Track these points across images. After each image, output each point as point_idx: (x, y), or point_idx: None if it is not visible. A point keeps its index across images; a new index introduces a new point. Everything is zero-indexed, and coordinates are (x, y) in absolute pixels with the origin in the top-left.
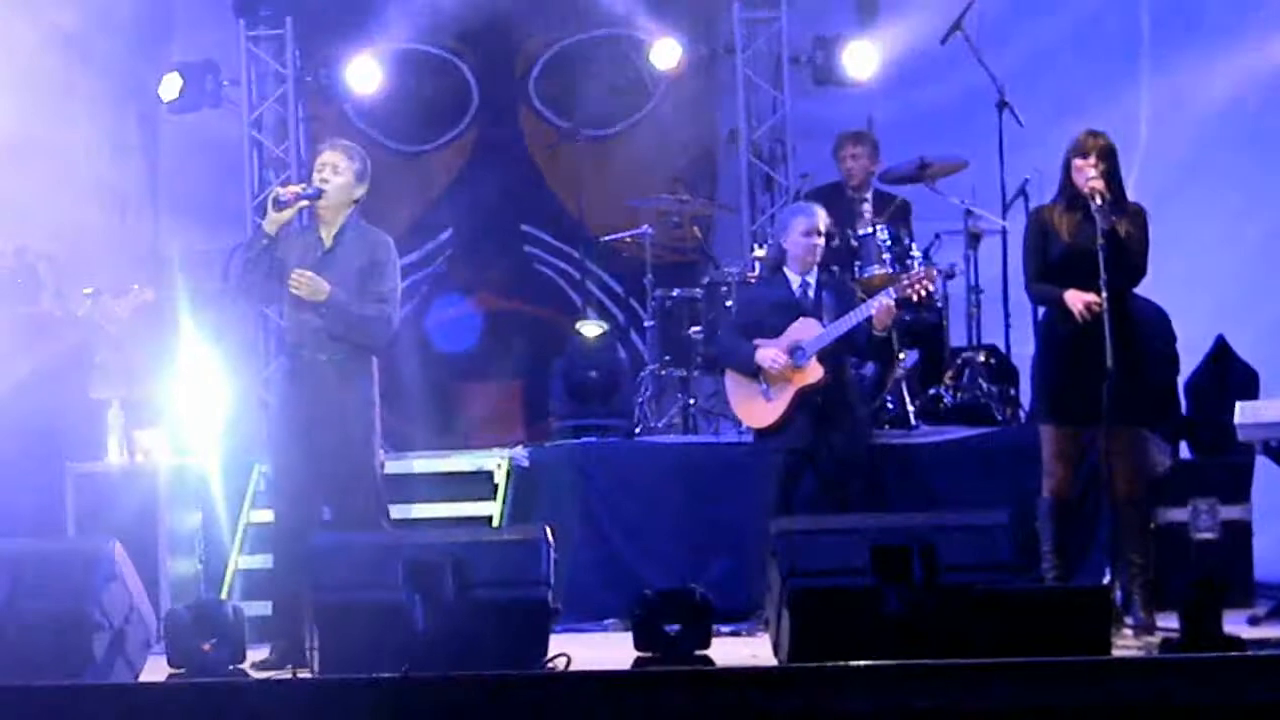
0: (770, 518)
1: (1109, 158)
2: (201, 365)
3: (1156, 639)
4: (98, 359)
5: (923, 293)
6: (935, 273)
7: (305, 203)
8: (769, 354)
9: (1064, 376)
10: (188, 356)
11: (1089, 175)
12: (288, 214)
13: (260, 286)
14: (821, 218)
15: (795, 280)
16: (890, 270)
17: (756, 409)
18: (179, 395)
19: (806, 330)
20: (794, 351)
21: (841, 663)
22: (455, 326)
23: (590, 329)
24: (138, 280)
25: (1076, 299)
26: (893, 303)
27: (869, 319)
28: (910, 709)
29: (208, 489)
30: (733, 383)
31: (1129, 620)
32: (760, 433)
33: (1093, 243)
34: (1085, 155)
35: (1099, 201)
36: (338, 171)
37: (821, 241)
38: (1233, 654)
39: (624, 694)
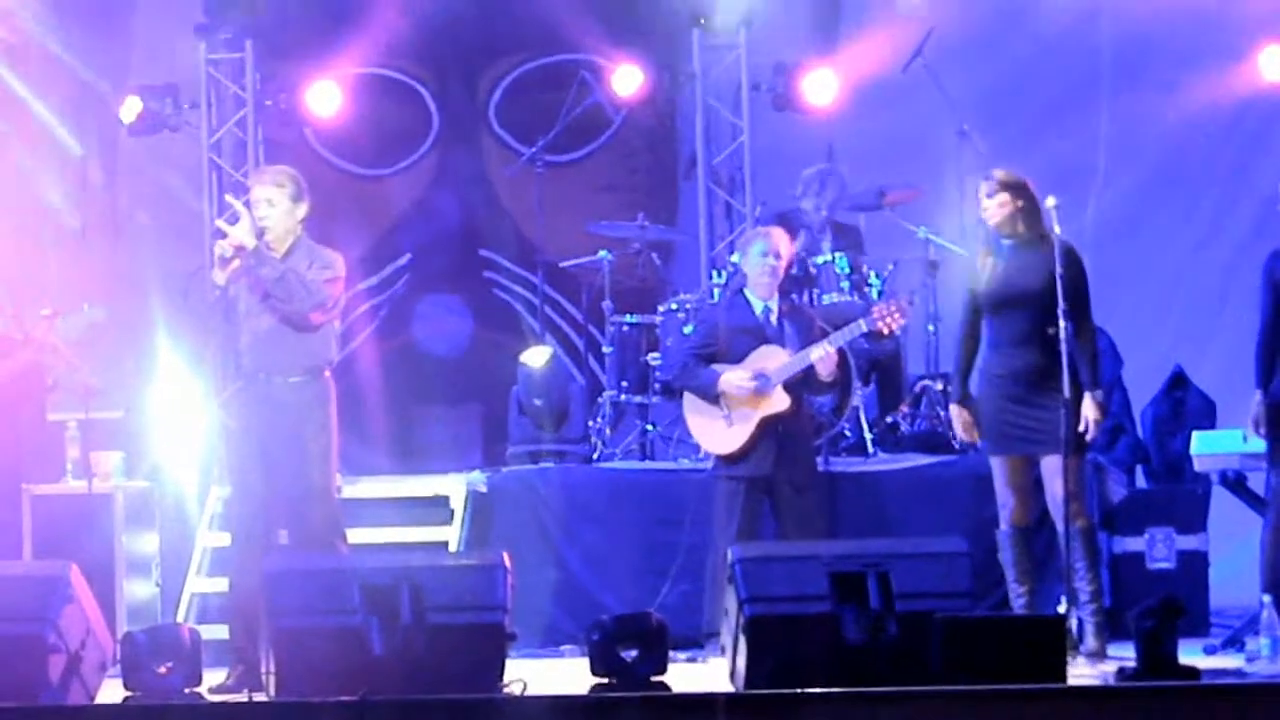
0: (728, 544)
1: (1008, 189)
2: (161, 388)
3: (1112, 667)
4: (50, 380)
5: (894, 327)
6: (908, 305)
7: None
8: (734, 378)
9: (1004, 409)
10: (148, 379)
11: (986, 211)
12: (236, 264)
13: (220, 330)
14: (778, 240)
15: (758, 306)
16: (850, 298)
17: (718, 435)
18: (138, 417)
19: (771, 358)
20: (758, 378)
21: (797, 689)
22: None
23: (534, 357)
24: (96, 300)
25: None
26: (835, 354)
27: (812, 367)
28: None
29: (166, 512)
30: (692, 408)
31: (1083, 649)
32: (720, 459)
33: (1007, 282)
34: (981, 197)
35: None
36: (273, 204)
37: (778, 264)
38: (1187, 683)
39: (579, 718)
